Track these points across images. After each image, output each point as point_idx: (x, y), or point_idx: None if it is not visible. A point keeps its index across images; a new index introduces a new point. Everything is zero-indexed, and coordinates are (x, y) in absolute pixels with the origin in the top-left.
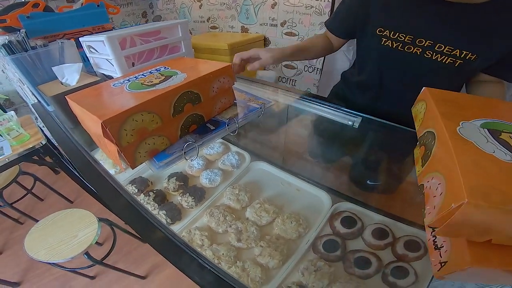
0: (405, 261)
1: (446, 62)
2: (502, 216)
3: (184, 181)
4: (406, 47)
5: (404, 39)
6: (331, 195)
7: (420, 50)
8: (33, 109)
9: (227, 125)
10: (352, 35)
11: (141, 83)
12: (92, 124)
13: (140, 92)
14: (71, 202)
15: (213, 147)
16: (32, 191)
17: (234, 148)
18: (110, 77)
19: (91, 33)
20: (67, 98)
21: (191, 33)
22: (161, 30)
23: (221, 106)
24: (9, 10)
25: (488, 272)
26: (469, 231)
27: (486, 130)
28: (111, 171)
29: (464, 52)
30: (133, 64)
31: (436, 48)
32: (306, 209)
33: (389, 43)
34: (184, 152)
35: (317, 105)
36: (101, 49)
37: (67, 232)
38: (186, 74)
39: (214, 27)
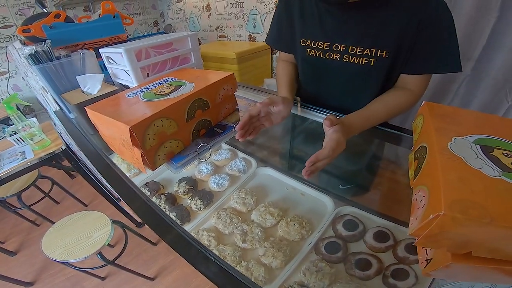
0: (406, 263)
1: (363, 63)
2: (479, 229)
3: (193, 185)
4: (327, 54)
5: (323, 46)
6: (334, 200)
7: (339, 55)
8: (54, 116)
9: (233, 129)
10: (291, 48)
11: (154, 93)
12: (117, 130)
13: (156, 101)
14: (86, 205)
15: (221, 153)
16: (49, 194)
17: (241, 154)
18: (127, 87)
19: (108, 43)
20: (86, 109)
21: (200, 42)
22: (173, 42)
23: (226, 111)
24: (32, 21)
25: (472, 269)
26: (448, 243)
27: (478, 146)
28: (128, 174)
29: (374, 50)
30: (148, 75)
31: (350, 51)
32: (309, 213)
33: (313, 52)
34: (198, 153)
35: (318, 112)
36: (119, 60)
37: (82, 232)
38: (194, 84)
39: (222, 36)
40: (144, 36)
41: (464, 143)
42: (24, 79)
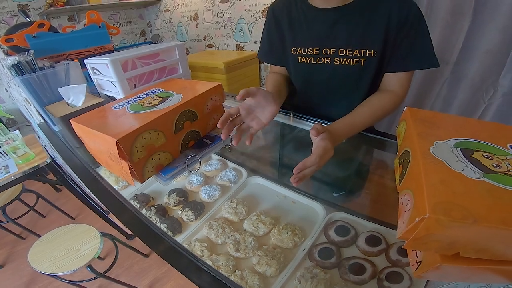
0: (399, 266)
1: (354, 64)
2: (464, 230)
3: (184, 196)
4: (318, 59)
5: (313, 52)
6: (325, 206)
7: (329, 59)
8: (38, 129)
9: (222, 140)
10: (283, 60)
11: (141, 105)
12: (103, 143)
13: (143, 113)
14: (73, 218)
15: (211, 164)
16: (34, 208)
17: (231, 164)
18: (114, 98)
19: (94, 54)
20: (71, 122)
21: (188, 51)
22: (160, 53)
23: (214, 122)
24: (15, 30)
25: (463, 270)
26: (436, 245)
27: (458, 149)
28: (116, 187)
29: (363, 51)
30: (134, 86)
31: (340, 54)
32: (301, 220)
33: (304, 59)
34: (187, 165)
35: (307, 120)
36: (105, 71)
37: (70, 245)
38: (182, 95)
39: (210, 46)
40: (131, 46)
41: (445, 146)
42: (7, 90)
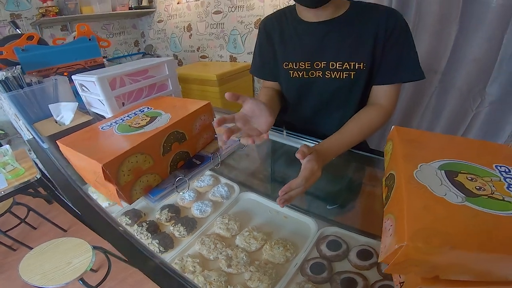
0: (390, 279)
1: (344, 77)
2: (442, 256)
3: (176, 212)
4: (310, 73)
5: (305, 66)
6: (317, 221)
7: (321, 72)
8: (28, 144)
9: (212, 159)
10: (275, 75)
11: (129, 125)
12: (90, 167)
13: (130, 135)
14: (65, 230)
15: (203, 179)
16: (26, 220)
17: (223, 180)
18: (102, 116)
19: (84, 67)
20: (58, 143)
21: (182, 62)
22: (149, 69)
23: (204, 141)
24: (4, 42)
25: None
26: (416, 269)
27: (443, 172)
28: (105, 204)
29: (352, 63)
30: (123, 104)
31: (331, 67)
32: (293, 235)
33: (296, 74)
34: (176, 187)
35: (298, 138)
36: (93, 89)
37: (62, 259)
38: (170, 115)
39: (204, 57)
40: (124, 56)
41: (429, 169)
42: None
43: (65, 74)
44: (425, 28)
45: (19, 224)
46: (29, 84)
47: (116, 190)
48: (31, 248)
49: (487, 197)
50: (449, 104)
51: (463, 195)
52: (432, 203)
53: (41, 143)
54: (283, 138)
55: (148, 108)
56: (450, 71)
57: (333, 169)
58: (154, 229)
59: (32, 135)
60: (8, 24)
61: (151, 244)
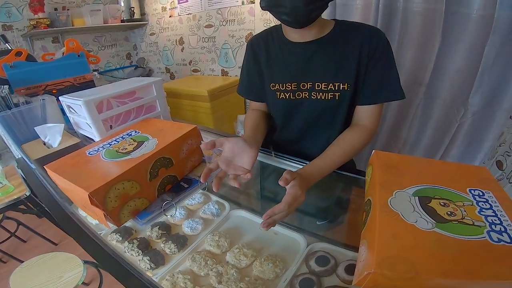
0: None
1: (329, 98)
2: (408, 282)
3: (167, 229)
4: (296, 94)
5: (291, 87)
6: (306, 237)
7: (307, 93)
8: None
9: (199, 182)
10: (262, 96)
11: (116, 151)
12: (77, 193)
13: (117, 161)
14: (56, 244)
15: (194, 198)
16: (16, 233)
17: (214, 198)
18: (90, 139)
19: (73, 84)
20: (46, 168)
21: (174, 76)
22: (136, 91)
23: (192, 164)
24: None
25: None
26: None
27: (417, 198)
28: (95, 222)
29: (337, 84)
30: (111, 127)
31: (316, 88)
32: (283, 251)
33: (283, 95)
34: (163, 210)
35: (287, 160)
36: (80, 111)
37: (53, 273)
38: (156, 140)
39: (196, 70)
40: (116, 69)
41: (404, 196)
42: None
43: (54, 91)
44: (410, 41)
45: (9, 237)
46: (16, 105)
47: (104, 214)
48: (22, 261)
49: (457, 222)
50: (435, 115)
51: (434, 221)
52: (402, 231)
53: (29, 164)
54: (272, 160)
55: (135, 131)
56: (435, 83)
57: (322, 188)
58: (145, 246)
59: (21, 155)
60: None
61: (142, 261)
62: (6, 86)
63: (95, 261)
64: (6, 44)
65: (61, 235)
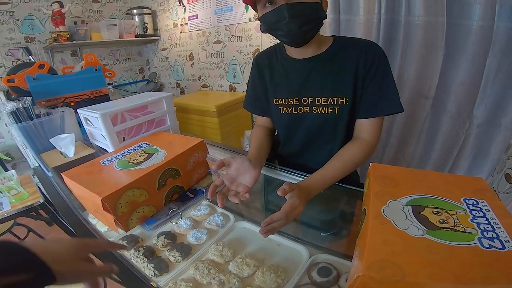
0: None
1: (329, 112)
2: (394, 285)
3: (172, 239)
4: (298, 109)
5: (293, 102)
6: (309, 248)
7: (308, 108)
8: (33, 171)
9: (204, 193)
10: (267, 111)
11: (128, 161)
12: (91, 199)
13: (128, 171)
14: None
15: (200, 209)
16: (25, 240)
17: (219, 210)
18: (104, 150)
19: (89, 97)
20: (62, 175)
21: (184, 91)
22: (148, 105)
23: (198, 176)
24: (17, 70)
25: None
26: None
27: (410, 207)
28: (104, 229)
29: (335, 98)
30: (123, 139)
31: (317, 103)
32: (285, 262)
33: (285, 110)
34: (170, 217)
35: (290, 173)
36: (96, 123)
37: None
38: (166, 152)
39: (204, 86)
40: (129, 83)
41: (397, 205)
42: (7, 126)
43: (72, 104)
44: (414, 54)
45: None
46: (38, 116)
47: (114, 219)
48: None
49: (448, 229)
50: (442, 127)
51: (425, 228)
52: (392, 237)
53: (46, 171)
54: (276, 173)
55: (146, 144)
56: (441, 96)
57: (324, 200)
58: (150, 253)
59: (38, 163)
60: (22, 47)
61: (147, 268)
62: (29, 98)
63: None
64: (29, 56)
65: None
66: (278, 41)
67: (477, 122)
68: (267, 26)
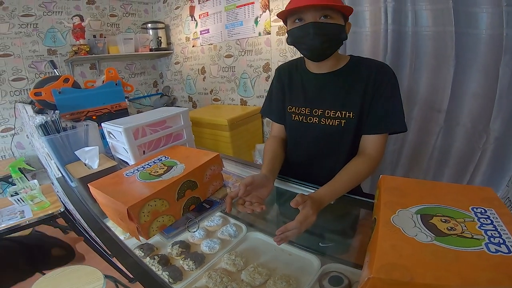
0: None
1: (335, 125)
2: (402, 287)
3: (186, 248)
4: (308, 119)
5: (305, 112)
6: (320, 258)
7: (317, 119)
8: (56, 182)
9: (220, 204)
10: (283, 119)
11: (149, 173)
12: (115, 207)
13: (150, 182)
14: None
15: (213, 220)
16: None
17: (232, 220)
18: (126, 162)
19: (110, 111)
20: (89, 186)
21: (196, 105)
22: (166, 120)
23: (213, 188)
24: (43, 84)
25: None
26: None
27: (418, 215)
28: (122, 237)
29: (343, 112)
30: (144, 152)
31: (326, 115)
32: (297, 271)
33: (297, 117)
34: (187, 226)
35: (302, 186)
36: (118, 136)
37: (74, 284)
38: (184, 165)
39: (216, 99)
40: (144, 97)
41: (406, 214)
42: (28, 137)
43: (94, 117)
44: (423, 65)
45: None
46: (64, 129)
47: (137, 227)
48: (43, 273)
49: (456, 236)
50: (456, 142)
51: (433, 235)
52: (401, 243)
53: (69, 182)
54: (287, 185)
55: (165, 157)
56: (454, 109)
57: (335, 211)
58: (165, 262)
59: (61, 174)
60: (44, 59)
61: (162, 275)
62: (58, 112)
63: (116, 272)
64: (54, 69)
65: (84, 251)
66: (287, 55)
67: (494, 135)
68: (293, 39)
